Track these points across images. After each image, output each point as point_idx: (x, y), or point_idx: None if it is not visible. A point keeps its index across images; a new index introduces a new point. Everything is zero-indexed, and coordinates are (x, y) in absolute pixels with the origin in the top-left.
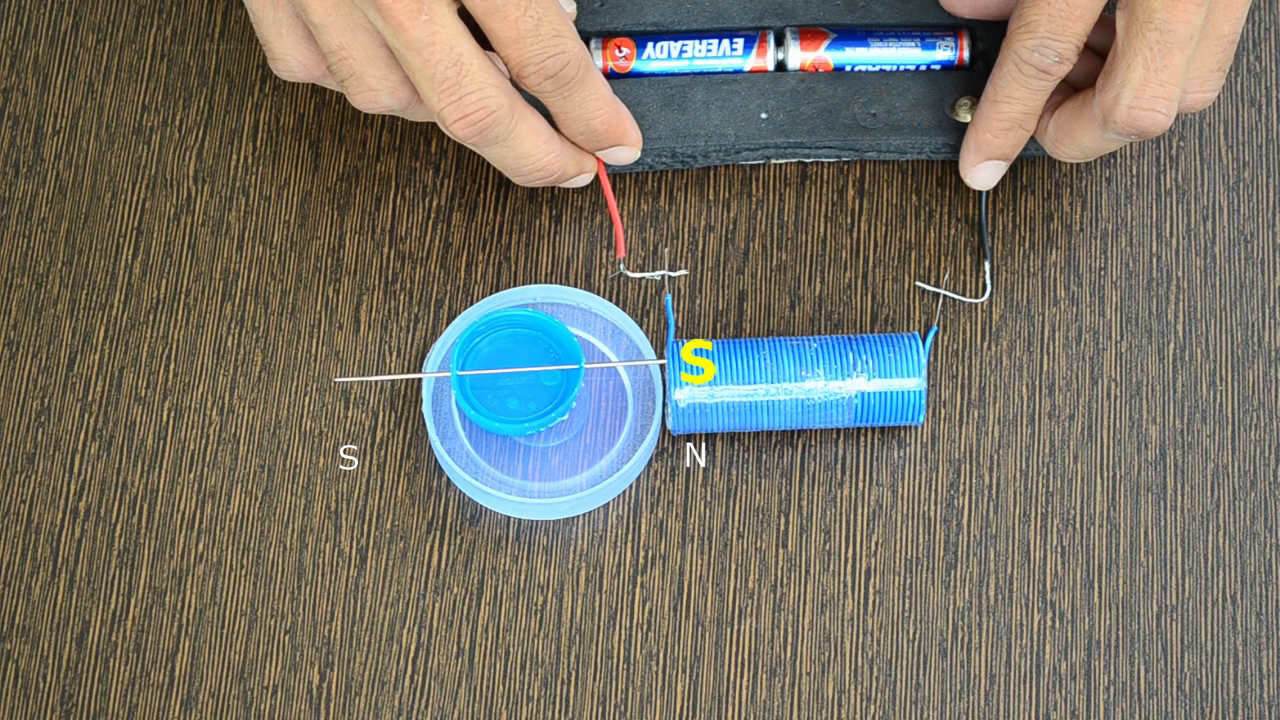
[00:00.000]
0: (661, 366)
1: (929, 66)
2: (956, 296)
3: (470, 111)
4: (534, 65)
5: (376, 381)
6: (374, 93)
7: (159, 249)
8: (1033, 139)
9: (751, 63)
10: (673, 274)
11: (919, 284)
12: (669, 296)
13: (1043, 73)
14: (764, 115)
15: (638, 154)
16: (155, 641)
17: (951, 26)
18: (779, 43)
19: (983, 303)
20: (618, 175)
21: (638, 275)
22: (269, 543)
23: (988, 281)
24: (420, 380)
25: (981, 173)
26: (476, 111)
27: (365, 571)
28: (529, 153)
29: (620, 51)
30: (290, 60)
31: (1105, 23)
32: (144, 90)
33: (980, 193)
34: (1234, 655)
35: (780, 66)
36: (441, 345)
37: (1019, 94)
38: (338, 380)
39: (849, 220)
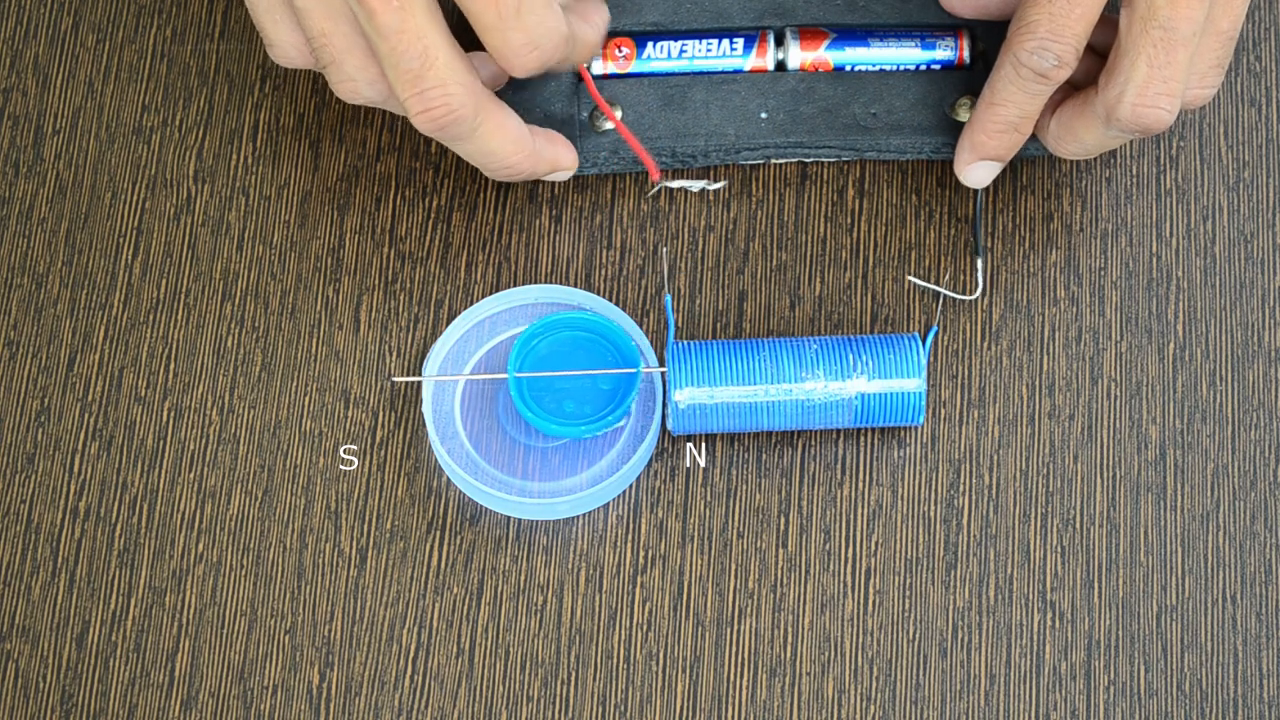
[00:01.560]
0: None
1: (929, 66)
2: (948, 293)
3: (432, 106)
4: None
5: (419, 381)
6: (354, 83)
7: (159, 249)
8: (1034, 138)
9: (751, 62)
10: (712, 186)
11: (912, 279)
12: (669, 297)
13: (1040, 77)
14: (764, 115)
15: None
16: (155, 641)
17: (951, 26)
18: (779, 42)
19: (981, 303)
20: (618, 175)
21: (678, 185)
22: (269, 543)
23: (979, 279)
24: (420, 380)
25: (975, 171)
26: (439, 107)
27: (365, 571)
28: (495, 151)
29: (620, 51)
30: (286, 46)
31: (1106, 22)
32: (144, 90)
33: (977, 190)
34: (1234, 655)
35: (780, 66)
36: (441, 345)
37: (1016, 97)
38: (392, 379)
39: (849, 220)
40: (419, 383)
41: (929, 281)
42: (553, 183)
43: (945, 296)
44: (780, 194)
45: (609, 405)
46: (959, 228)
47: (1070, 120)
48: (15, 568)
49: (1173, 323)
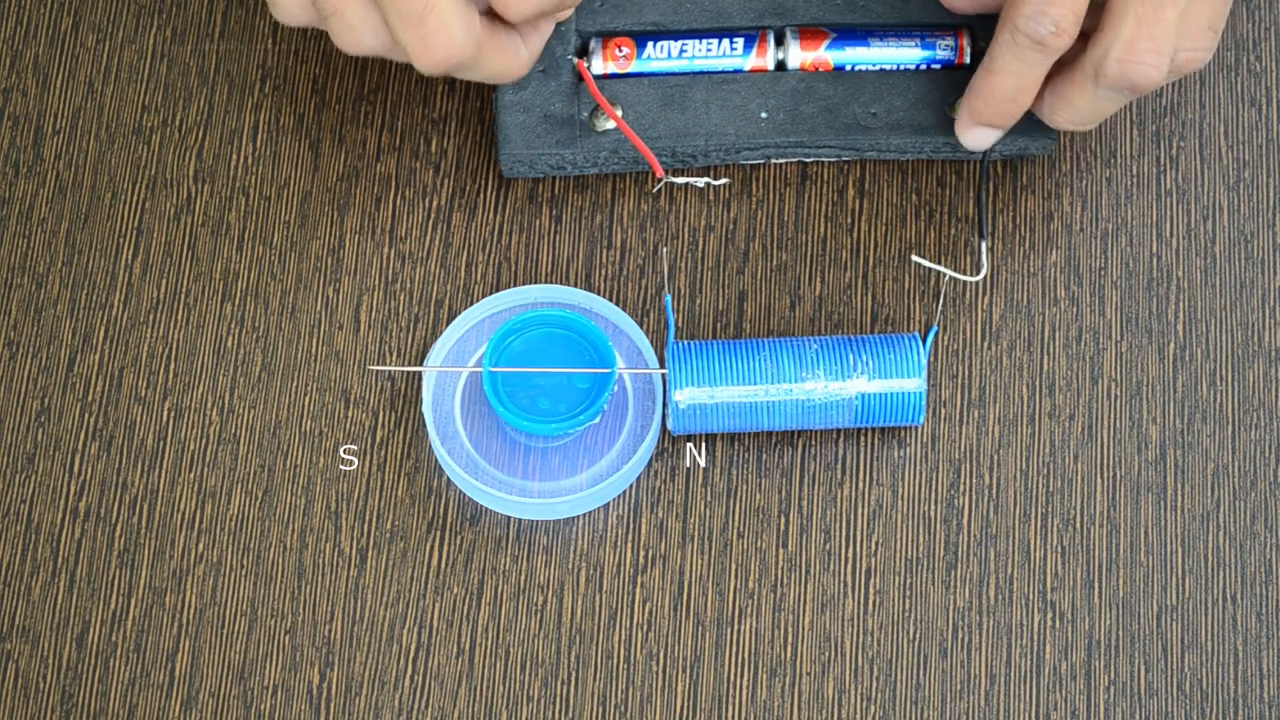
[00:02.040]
0: (662, 369)
1: (929, 66)
2: (952, 273)
3: (435, 49)
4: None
5: (401, 374)
6: (356, 33)
7: (159, 249)
8: (1035, 135)
9: (751, 62)
10: (716, 181)
11: (915, 258)
12: (669, 297)
13: (1038, 44)
14: (764, 115)
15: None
16: (155, 641)
17: (951, 26)
18: (779, 42)
19: (981, 303)
20: (618, 175)
21: (682, 181)
22: (269, 543)
23: (983, 261)
24: (420, 381)
25: (973, 134)
26: (441, 50)
27: (365, 571)
28: (497, 75)
29: (620, 51)
30: (288, 3)
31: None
32: (144, 90)
33: (979, 177)
34: (1234, 655)
35: (780, 66)
36: (441, 345)
37: (1013, 66)
38: (372, 368)
39: (849, 220)
40: (420, 384)
41: (932, 261)
42: (553, 177)
43: (945, 292)
44: (780, 194)
45: (584, 403)
46: (959, 228)
47: (1063, 86)
48: (15, 568)
49: (1173, 323)
